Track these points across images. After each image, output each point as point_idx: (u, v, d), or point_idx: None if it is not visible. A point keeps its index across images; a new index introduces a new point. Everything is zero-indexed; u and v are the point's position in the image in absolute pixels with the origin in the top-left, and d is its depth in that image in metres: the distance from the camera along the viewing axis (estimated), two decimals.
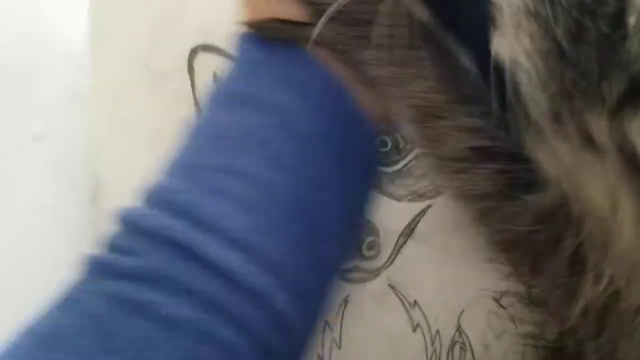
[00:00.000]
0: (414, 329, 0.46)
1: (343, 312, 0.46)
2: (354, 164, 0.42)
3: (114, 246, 0.37)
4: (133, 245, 0.36)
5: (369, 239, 0.47)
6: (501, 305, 0.46)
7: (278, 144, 0.38)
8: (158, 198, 0.37)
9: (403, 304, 0.46)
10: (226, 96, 0.40)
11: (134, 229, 0.36)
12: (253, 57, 0.40)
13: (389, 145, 0.48)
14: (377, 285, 0.46)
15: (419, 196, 0.48)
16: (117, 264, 0.35)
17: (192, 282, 0.34)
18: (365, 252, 0.47)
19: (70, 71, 0.50)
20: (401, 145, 0.48)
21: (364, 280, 0.47)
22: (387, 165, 0.48)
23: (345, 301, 0.46)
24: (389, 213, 0.47)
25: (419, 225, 0.47)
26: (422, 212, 0.47)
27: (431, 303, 0.46)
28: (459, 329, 0.45)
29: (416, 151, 0.48)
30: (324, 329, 0.46)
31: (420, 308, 0.46)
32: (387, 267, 0.47)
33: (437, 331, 0.46)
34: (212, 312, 0.34)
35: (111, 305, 0.34)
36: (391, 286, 0.46)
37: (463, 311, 0.46)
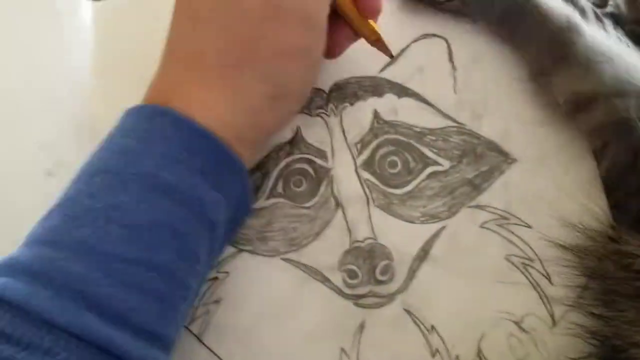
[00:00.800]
0: (433, 355, 0.45)
1: (360, 339, 0.46)
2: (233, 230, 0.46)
3: (8, 337, 0.34)
4: (36, 342, 0.34)
5: (383, 263, 0.47)
6: (523, 329, 0.45)
7: (192, 237, 0.40)
8: (65, 283, 0.36)
9: (420, 329, 0.46)
10: (137, 178, 0.39)
11: (37, 320, 0.35)
12: (166, 132, 0.41)
13: (399, 166, 0.49)
14: (393, 310, 0.46)
15: (432, 217, 0.48)
16: None
17: None
18: (379, 277, 0.47)
19: (77, 103, 0.51)
20: (412, 165, 0.49)
21: (379, 306, 0.46)
22: (398, 186, 0.49)
23: (361, 327, 0.46)
24: (402, 236, 0.48)
25: (433, 247, 0.47)
26: (436, 234, 0.48)
27: (450, 327, 0.46)
28: (479, 353, 0.45)
29: (427, 170, 0.49)
30: (341, 356, 0.45)
31: (438, 333, 0.46)
32: (402, 291, 0.46)
33: (457, 357, 0.45)
34: None
35: None
36: (407, 311, 0.46)
37: (483, 335, 0.45)
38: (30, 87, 0.53)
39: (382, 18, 0.47)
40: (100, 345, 0.35)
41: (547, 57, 0.48)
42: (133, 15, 0.53)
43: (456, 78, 0.51)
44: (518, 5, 0.48)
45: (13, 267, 0.37)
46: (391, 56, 0.49)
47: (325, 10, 0.44)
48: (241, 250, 0.48)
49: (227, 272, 0.47)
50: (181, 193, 0.39)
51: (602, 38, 0.48)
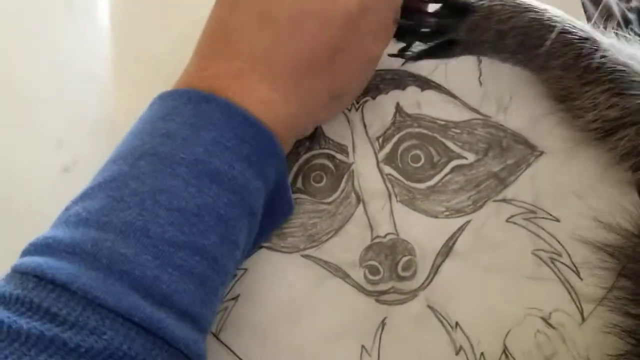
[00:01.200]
0: (457, 352, 0.45)
1: (381, 336, 0.45)
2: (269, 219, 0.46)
3: (53, 316, 0.35)
4: (82, 321, 0.35)
5: (405, 258, 0.46)
6: (550, 325, 0.45)
7: (234, 223, 0.41)
8: (111, 264, 0.36)
9: (444, 325, 0.45)
10: (186, 163, 0.40)
11: (82, 299, 0.35)
12: (209, 118, 0.41)
13: (422, 160, 0.49)
14: (416, 306, 0.46)
15: (457, 212, 0.48)
16: (58, 340, 0.34)
17: (149, 359, 0.36)
18: (402, 273, 0.46)
19: (94, 100, 0.52)
20: (435, 159, 0.48)
21: (401, 302, 0.46)
22: (421, 180, 0.48)
23: (383, 324, 0.45)
24: (425, 231, 0.47)
25: (457, 242, 0.47)
26: (461, 229, 0.47)
27: (474, 324, 0.45)
28: (505, 351, 0.44)
29: (452, 164, 0.49)
30: (362, 354, 0.45)
31: (462, 330, 0.45)
32: (425, 287, 0.46)
33: (482, 354, 0.44)
34: None
35: None
36: (430, 307, 0.46)
37: (509, 332, 0.45)
38: (47, 85, 0.54)
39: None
40: (145, 326, 0.36)
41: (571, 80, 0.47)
42: (150, 11, 0.54)
43: (481, 69, 0.51)
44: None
45: (53, 247, 0.37)
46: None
47: (394, 20, 0.46)
48: (260, 247, 0.48)
49: (245, 269, 0.47)
50: (229, 180, 0.40)
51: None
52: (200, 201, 0.39)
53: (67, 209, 0.40)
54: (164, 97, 0.43)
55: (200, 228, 0.39)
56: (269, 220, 0.45)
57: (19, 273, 0.36)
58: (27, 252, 0.38)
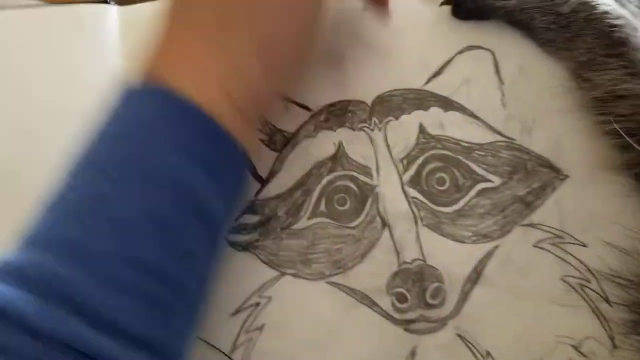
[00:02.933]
0: None
1: None
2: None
3: None
4: (20, 349, 0.34)
5: (433, 285, 0.47)
6: (582, 353, 0.46)
7: (185, 232, 0.39)
8: (50, 287, 0.35)
9: (474, 355, 0.46)
10: (119, 165, 0.38)
11: (20, 325, 0.34)
12: (154, 114, 0.40)
13: (447, 183, 0.50)
14: (445, 335, 0.47)
15: (484, 237, 0.49)
16: None
17: None
18: (430, 300, 0.47)
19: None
20: (460, 181, 0.50)
21: (430, 331, 0.47)
22: (447, 204, 0.50)
23: (413, 354, 0.46)
24: (453, 257, 0.49)
25: (486, 268, 0.48)
26: (489, 254, 0.49)
27: (505, 353, 0.46)
28: None
29: (477, 187, 0.50)
30: None
31: (493, 358, 0.46)
32: (455, 315, 0.47)
33: None
34: None
35: None
36: (460, 336, 0.47)
37: None
38: (55, 99, 0.54)
39: (425, 29, 0.48)
40: (87, 353, 0.34)
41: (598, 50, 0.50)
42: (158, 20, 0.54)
43: (504, 91, 0.52)
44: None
45: (2, 271, 0.36)
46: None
47: None
48: (284, 274, 0.48)
49: (269, 297, 0.48)
50: (172, 181, 0.38)
51: None
52: (139, 208, 0.37)
53: (25, 230, 0.38)
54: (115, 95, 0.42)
55: (142, 239, 0.37)
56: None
57: None
58: None
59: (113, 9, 0.57)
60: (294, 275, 0.49)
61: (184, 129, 0.40)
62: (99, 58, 0.55)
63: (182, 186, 0.39)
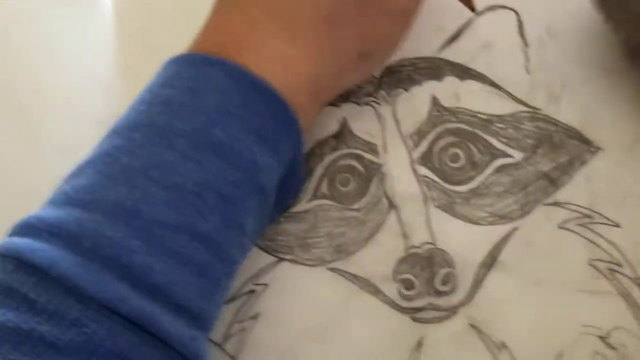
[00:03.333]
0: None
1: (418, 358, 0.44)
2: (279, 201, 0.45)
3: (31, 304, 0.34)
4: (63, 311, 0.34)
5: (443, 271, 0.45)
6: (610, 345, 0.43)
7: (241, 204, 0.39)
8: (96, 248, 0.35)
9: (488, 346, 0.44)
10: (184, 134, 0.39)
11: (63, 287, 0.34)
12: (213, 83, 0.40)
13: (462, 160, 0.48)
14: (456, 325, 0.45)
15: (501, 218, 0.47)
16: (36, 334, 0.33)
17: (137, 357, 0.35)
18: (440, 287, 0.45)
19: (99, 103, 0.53)
20: (477, 158, 0.47)
21: (440, 320, 0.45)
22: (461, 183, 0.47)
23: (420, 345, 0.44)
24: (466, 240, 0.46)
25: (502, 252, 0.46)
26: (506, 237, 0.46)
27: (522, 345, 0.44)
28: None
29: (496, 164, 0.47)
30: None
31: (509, 351, 0.44)
32: (467, 303, 0.45)
33: None
34: None
35: None
36: (473, 326, 0.45)
37: (562, 353, 0.43)
38: (49, 89, 0.54)
39: None
40: (133, 319, 0.34)
41: None
42: (154, 8, 0.54)
43: (528, 55, 0.50)
44: None
45: (35, 227, 0.36)
46: (473, 10, 0.49)
47: None
48: (281, 260, 0.47)
49: (265, 284, 0.47)
50: (234, 154, 0.39)
51: None
52: (200, 178, 0.38)
53: (57, 187, 0.39)
54: (167, 63, 0.42)
55: (200, 209, 0.37)
56: (276, 201, 0.44)
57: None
58: (10, 233, 0.37)
59: None
60: (292, 261, 0.47)
61: (255, 107, 0.40)
62: (94, 47, 0.55)
63: (246, 161, 0.39)
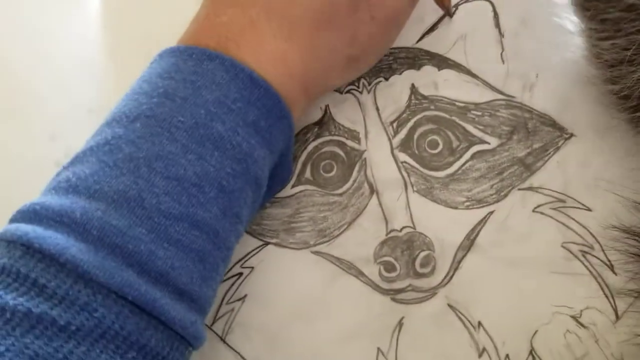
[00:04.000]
0: (480, 354, 0.45)
1: (398, 337, 0.46)
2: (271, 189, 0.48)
3: (42, 288, 0.35)
4: (72, 295, 0.35)
5: (423, 253, 0.47)
6: (581, 324, 0.45)
7: (237, 194, 0.41)
8: (102, 236, 0.36)
9: (466, 326, 0.46)
10: (185, 127, 0.40)
11: (72, 272, 0.35)
12: (212, 77, 0.41)
13: (440, 146, 0.49)
14: (435, 305, 0.46)
15: (478, 202, 0.48)
16: (47, 318, 0.34)
17: (142, 340, 0.36)
18: (420, 269, 0.47)
19: (89, 90, 0.53)
20: (454, 144, 0.49)
21: (419, 301, 0.47)
22: (439, 168, 0.49)
23: (400, 324, 0.46)
24: (444, 223, 0.48)
25: (479, 235, 0.47)
26: (483, 221, 0.48)
27: (498, 324, 0.46)
28: (532, 352, 0.45)
29: (472, 150, 0.49)
30: (377, 356, 0.46)
31: (485, 330, 0.46)
32: (445, 284, 0.47)
33: (507, 356, 0.45)
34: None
35: None
36: (451, 306, 0.46)
37: (536, 332, 0.45)
38: (39, 76, 0.55)
39: None
40: (139, 304, 0.36)
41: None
42: None
43: (504, 45, 0.51)
44: None
45: (40, 214, 0.37)
46: (449, 15, 0.51)
47: None
48: (267, 243, 0.49)
49: (251, 267, 0.48)
50: (233, 146, 0.40)
51: None
52: (201, 170, 0.39)
53: (57, 174, 0.40)
54: (164, 54, 0.43)
55: (200, 199, 0.39)
56: (266, 188, 0.46)
57: (5, 241, 0.37)
58: (13, 220, 0.38)
59: None
60: (277, 244, 0.49)
61: (253, 101, 0.41)
62: (82, 34, 0.56)
63: (243, 154, 0.41)
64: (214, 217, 0.39)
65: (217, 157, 0.40)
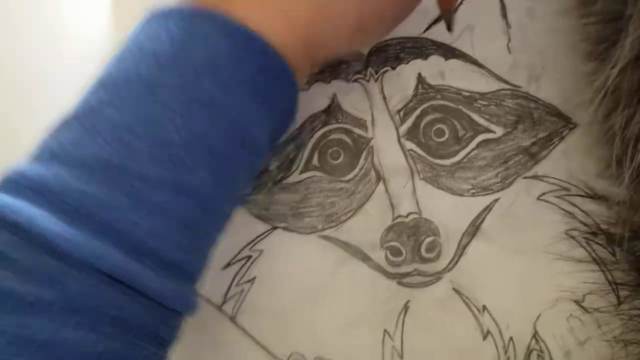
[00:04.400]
0: (485, 337, 0.46)
1: (404, 320, 0.47)
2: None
3: (6, 259, 0.34)
4: (48, 270, 0.34)
5: (429, 239, 0.48)
6: (584, 308, 0.46)
7: (231, 158, 0.39)
8: (78, 205, 0.35)
9: (470, 309, 0.47)
10: (171, 87, 0.38)
11: (42, 244, 0.34)
12: (201, 35, 0.39)
13: (447, 135, 0.50)
14: (440, 289, 0.48)
15: (484, 189, 0.49)
16: (16, 294, 0.33)
17: (121, 314, 0.35)
18: (425, 254, 0.48)
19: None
20: (460, 133, 0.50)
21: (425, 285, 0.48)
22: (445, 156, 0.50)
23: (406, 308, 0.47)
24: (450, 210, 0.49)
25: (484, 222, 0.49)
26: (488, 208, 0.49)
27: (503, 308, 0.47)
28: (535, 335, 0.46)
29: (478, 139, 0.50)
30: (384, 338, 0.47)
31: (490, 314, 0.47)
32: (451, 269, 0.48)
33: (511, 338, 0.46)
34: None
35: None
36: (456, 290, 0.47)
37: (540, 316, 0.46)
38: (47, 57, 0.56)
39: None
40: (116, 275, 0.34)
41: None
42: None
43: (510, 36, 0.52)
44: None
45: (16, 183, 0.36)
46: (450, 30, 0.50)
47: None
48: (275, 227, 0.50)
49: (260, 250, 0.49)
50: (223, 108, 0.38)
51: None
52: (187, 132, 0.37)
53: (42, 140, 0.38)
54: (153, 15, 0.41)
55: (187, 164, 0.37)
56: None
57: None
58: None
59: None
60: (285, 229, 0.50)
61: (247, 61, 0.39)
62: (87, 15, 0.57)
63: (235, 113, 0.39)
64: (203, 182, 0.38)
65: (206, 119, 0.38)
